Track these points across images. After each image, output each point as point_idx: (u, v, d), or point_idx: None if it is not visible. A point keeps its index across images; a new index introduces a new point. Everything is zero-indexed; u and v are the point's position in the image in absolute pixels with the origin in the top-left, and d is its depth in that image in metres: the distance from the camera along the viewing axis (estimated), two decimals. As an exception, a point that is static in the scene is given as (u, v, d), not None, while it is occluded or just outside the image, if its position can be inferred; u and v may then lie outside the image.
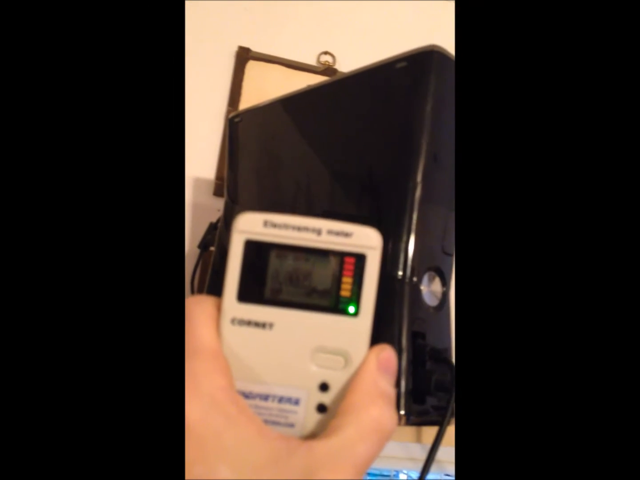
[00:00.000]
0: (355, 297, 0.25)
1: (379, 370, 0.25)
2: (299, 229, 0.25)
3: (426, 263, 0.46)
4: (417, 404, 0.45)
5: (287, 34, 1.03)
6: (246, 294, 0.25)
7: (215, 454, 0.21)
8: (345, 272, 0.25)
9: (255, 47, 1.00)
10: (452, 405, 0.45)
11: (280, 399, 0.25)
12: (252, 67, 0.98)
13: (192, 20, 0.99)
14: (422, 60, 0.46)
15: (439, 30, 1.06)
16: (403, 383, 0.44)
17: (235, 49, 1.00)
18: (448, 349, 0.49)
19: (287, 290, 0.25)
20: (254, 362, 0.25)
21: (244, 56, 0.98)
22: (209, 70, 0.99)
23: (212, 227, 0.76)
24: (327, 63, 1.02)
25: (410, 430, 0.65)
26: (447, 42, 1.02)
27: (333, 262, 0.25)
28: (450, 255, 0.50)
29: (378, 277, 0.25)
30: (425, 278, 0.46)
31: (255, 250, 0.25)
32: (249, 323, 0.25)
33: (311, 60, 1.02)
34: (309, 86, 1.00)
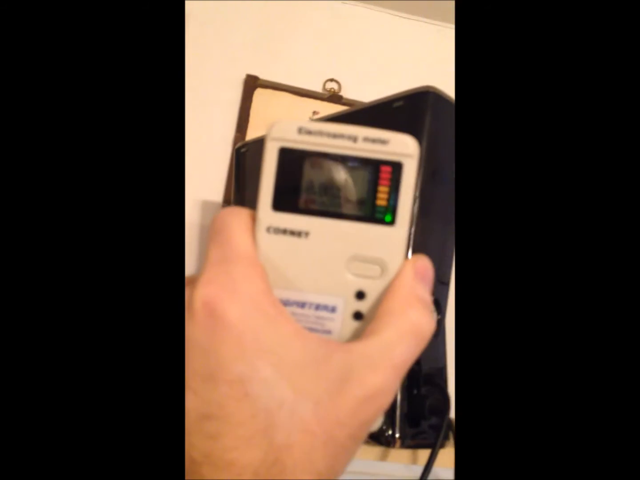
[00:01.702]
0: (392, 206, 0.25)
1: (416, 278, 0.25)
2: (335, 136, 0.24)
3: (421, 292, 0.48)
4: (412, 427, 0.47)
5: (294, 61, 1.07)
6: (281, 203, 0.25)
7: (255, 351, 0.21)
8: (381, 181, 0.24)
9: (263, 75, 1.03)
10: (445, 428, 0.47)
11: (317, 307, 0.25)
12: (259, 94, 1.01)
13: (201, 49, 1.03)
14: (418, 100, 0.49)
15: (441, 58, 1.10)
16: (398, 407, 0.46)
17: (243, 76, 1.03)
18: (443, 375, 0.51)
19: (323, 199, 0.25)
20: (290, 270, 0.25)
21: (251, 84, 1.02)
22: (217, 97, 1.02)
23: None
24: (332, 90, 1.05)
25: (406, 453, 0.66)
26: (449, 71, 1.05)
27: (369, 170, 0.24)
28: (446, 284, 0.52)
29: (415, 186, 0.25)
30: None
31: (290, 159, 0.24)
32: (284, 232, 0.25)
33: (317, 87, 1.05)
34: (314, 113, 1.03)
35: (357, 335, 0.25)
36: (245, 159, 0.71)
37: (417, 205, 0.47)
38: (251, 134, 1.00)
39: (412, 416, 0.46)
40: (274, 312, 0.23)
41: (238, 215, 0.25)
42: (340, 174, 0.25)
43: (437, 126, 0.48)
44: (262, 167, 0.25)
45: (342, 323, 0.25)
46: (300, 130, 0.24)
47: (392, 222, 0.25)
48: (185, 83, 1.01)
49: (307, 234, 0.25)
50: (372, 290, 0.25)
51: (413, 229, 0.47)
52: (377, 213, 0.25)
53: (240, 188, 0.72)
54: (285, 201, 0.25)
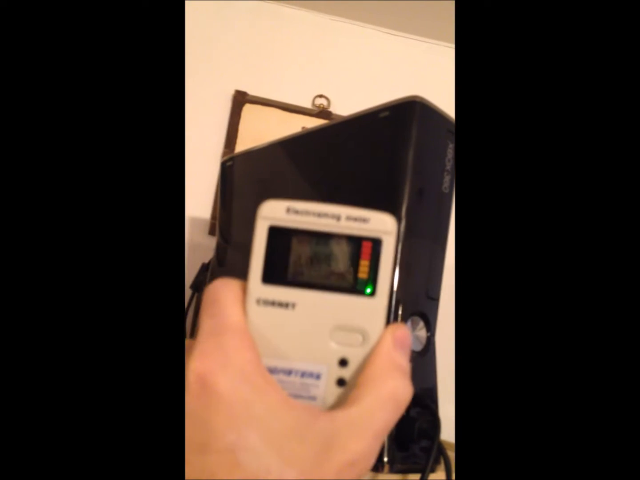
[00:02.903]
0: (372, 278, 0.26)
1: (395, 346, 0.26)
2: (319, 215, 0.26)
3: (410, 308, 0.47)
4: (401, 450, 0.44)
5: (283, 77, 1.06)
6: (270, 276, 0.26)
7: (245, 422, 0.23)
8: (362, 256, 0.26)
9: (252, 91, 1.02)
10: (436, 451, 0.44)
11: (303, 374, 0.26)
12: (248, 110, 1.00)
13: (190, 64, 1.02)
14: (405, 110, 0.47)
15: (429, 74, 1.09)
16: (386, 430, 0.44)
17: (232, 92, 1.02)
18: (433, 394, 0.49)
19: (309, 273, 0.27)
20: (277, 339, 0.26)
21: (240, 99, 1.01)
22: (206, 113, 1.01)
23: (204, 268, 0.77)
24: (321, 106, 1.05)
25: (395, 477, 0.64)
26: (438, 87, 1.04)
27: (351, 246, 0.26)
28: (435, 300, 0.50)
29: (393, 260, 0.27)
30: (409, 323, 0.47)
31: (279, 236, 0.26)
32: (272, 303, 0.26)
33: (306, 103, 1.05)
34: (303, 128, 1.02)
35: (340, 401, 0.26)
36: (231, 172, 0.69)
37: (403, 223, 0.45)
38: (240, 150, 0.99)
39: (401, 439, 0.44)
40: (262, 382, 0.24)
41: (229, 287, 0.27)
42: (325, 250, 0.26)
43: (424, 137, 0.47)
44: (253, 243, 0.27)
45: (326, 389, 0.27)
46: (289, 210, 0.26)
47: (372, 294, 0.26)
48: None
49: (293, 305, 0.26)
50: (355, 357, 0.26)
51: (400, 246, 0.45)
52: (358, 285, 0.26)
53: (226, 203, 0.71)
54: (273, 274, 0.27)
